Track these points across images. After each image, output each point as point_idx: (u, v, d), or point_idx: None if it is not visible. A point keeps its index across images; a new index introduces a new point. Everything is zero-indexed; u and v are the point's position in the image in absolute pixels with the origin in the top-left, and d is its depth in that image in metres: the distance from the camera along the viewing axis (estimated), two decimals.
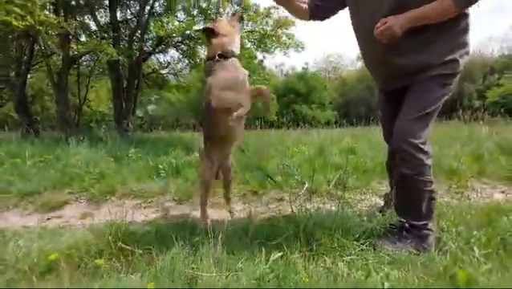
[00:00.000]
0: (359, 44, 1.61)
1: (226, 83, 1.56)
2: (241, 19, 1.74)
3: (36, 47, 5.84)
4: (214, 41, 1.59)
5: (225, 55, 1.58)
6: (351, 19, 1.60)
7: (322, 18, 1.73)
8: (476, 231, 1.51)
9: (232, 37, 1.62)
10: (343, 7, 1.64)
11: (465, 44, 1.38)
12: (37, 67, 7.39)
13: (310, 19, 1.72)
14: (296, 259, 1.32)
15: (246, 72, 1.66)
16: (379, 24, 1.32)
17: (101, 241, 1.50)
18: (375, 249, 1.42)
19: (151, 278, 1.17)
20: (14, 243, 1.54)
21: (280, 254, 1.35)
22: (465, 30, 1.37)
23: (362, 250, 1.41)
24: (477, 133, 4.48)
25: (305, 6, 1.67)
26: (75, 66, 6.52)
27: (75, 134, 4.96)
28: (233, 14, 1.80)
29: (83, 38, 5.87)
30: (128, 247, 1.44)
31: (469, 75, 22.53)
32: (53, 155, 3.39)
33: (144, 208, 2.33)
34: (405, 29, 1.30)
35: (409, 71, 1.42)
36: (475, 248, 1.35)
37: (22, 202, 2.46)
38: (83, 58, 6.07)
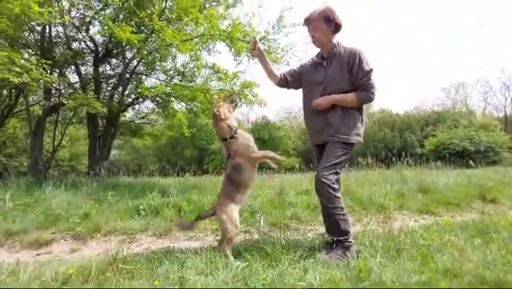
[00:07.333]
0: (304, 111, 2.40)
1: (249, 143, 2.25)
2: (234, 103, 2.46)
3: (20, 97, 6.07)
4: (221, 124, 2.26)
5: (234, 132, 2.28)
6: (302, 94, 2.40)
7: (287, 88, 2.51)
8: (382, 244, 2.18)
9: (231, 119, 2.31)
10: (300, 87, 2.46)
11: (361, 126, 2.21)
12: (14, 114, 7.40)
13: (277, 85, 2.49)
14: (258, 267, 1.84)
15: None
16: (317, 100, 2.16)
17: (102, 264, 1.87)
18: (314, 258, 2.00)
19: (153, 280, 1.60)
20: (23, 269, 1.83)
21: (246, 263, 1.87)
22: (362, 118, 2.22)
23: (305, 259, 1.98)
24: (405, 176, 5.53)
25: (277, 73, 2.46)
26: (53, 114, 6.75)
27: (46, 179, 5.07)
28: (231, 101, 2.48)
29: (62, 91, 6.32)
30: (127, 267, 1.84)
31: (410, 128, 26.15)
32: (32, 198, 3.57)
33: (129, 242, 2.67)
34: (329, 104, 2.12)
35: (328, 132, 2.19)
36: (378, 254, 2.00)
37: (9, 241, 2.64)
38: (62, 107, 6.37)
